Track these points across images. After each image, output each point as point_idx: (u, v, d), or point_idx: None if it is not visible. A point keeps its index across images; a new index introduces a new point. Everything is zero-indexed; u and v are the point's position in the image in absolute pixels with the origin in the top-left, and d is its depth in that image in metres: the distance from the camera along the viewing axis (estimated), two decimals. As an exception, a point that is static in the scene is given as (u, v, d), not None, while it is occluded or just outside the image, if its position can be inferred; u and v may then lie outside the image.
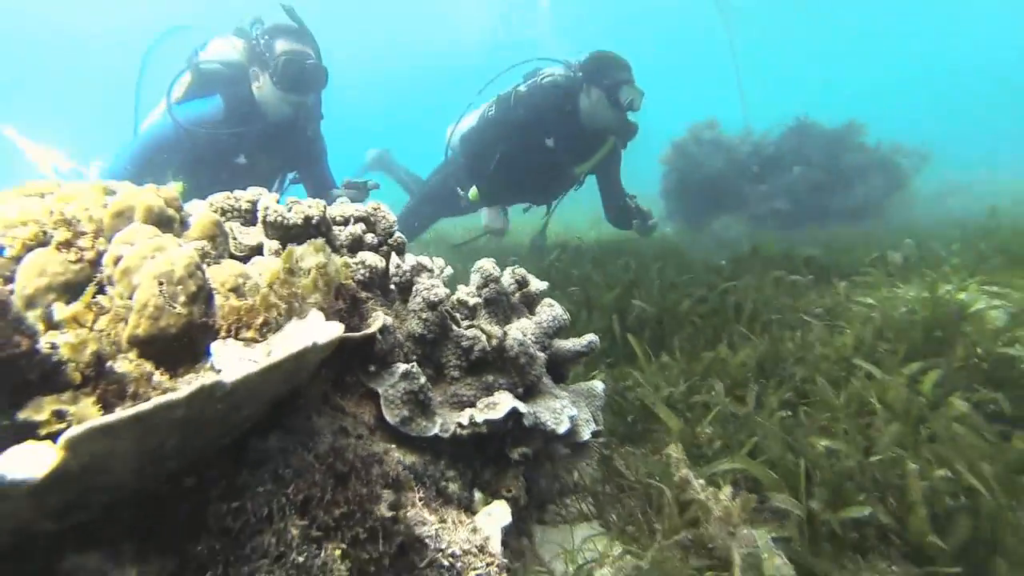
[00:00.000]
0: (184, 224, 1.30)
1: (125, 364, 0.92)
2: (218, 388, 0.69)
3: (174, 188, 4.50)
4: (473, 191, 5.62)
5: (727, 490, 1.49)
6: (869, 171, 7.77)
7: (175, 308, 1.02)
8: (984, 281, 3.08)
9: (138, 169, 4.47)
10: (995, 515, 1.29)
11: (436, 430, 1.31)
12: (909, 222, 6.36)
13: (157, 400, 0.63)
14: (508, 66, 5.89)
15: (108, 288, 1.09)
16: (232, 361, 0.93)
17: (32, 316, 1.01)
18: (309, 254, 1.27)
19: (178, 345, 1.02)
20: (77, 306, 0.99)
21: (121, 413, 0.62)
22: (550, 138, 5.33)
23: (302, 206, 1.36)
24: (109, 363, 0.93)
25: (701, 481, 1.50)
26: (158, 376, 0.92)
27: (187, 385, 0.90)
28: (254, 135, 4.52)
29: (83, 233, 1.29)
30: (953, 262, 3.64)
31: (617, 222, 5.91)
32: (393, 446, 1.25)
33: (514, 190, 5.78)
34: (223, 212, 1.42)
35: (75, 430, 0.63)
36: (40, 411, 0.82)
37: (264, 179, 5.06)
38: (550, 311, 1.55)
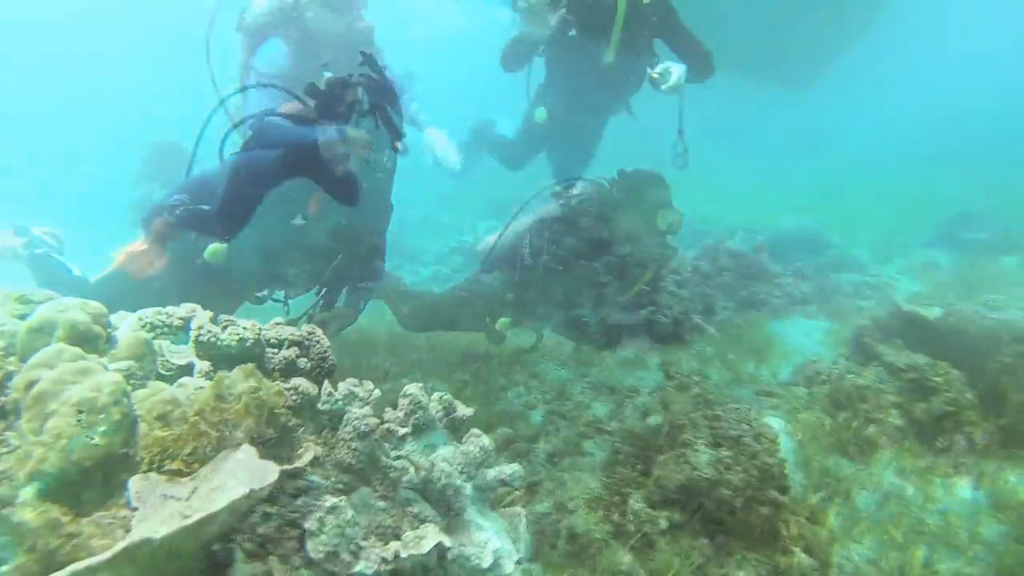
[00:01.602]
0: (110, 341, 1.26)
1: (26, 512, 0.85)
2: (146, 544, 0.66)
3: (214, 249, 3.99)
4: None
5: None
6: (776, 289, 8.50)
7: (93, 439, 0.97)
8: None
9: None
10: None
11: (360, 567, 1.25)
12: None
13: (75, 568, 0.60)
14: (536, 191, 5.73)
15: (13, 419, 1.02)
16: (152, 502, 0.89)
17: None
18: (240, 380, 1.25)
19: (91, 480, 0.96)
20: (-19, 441, 0.92)
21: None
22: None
23: (237, 327, 1.35)
24: (5, 511, 0.85)
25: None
26: (65, 523, 0.85)
27: (98, 529, 0.85)
28: (311, 189, 4.07)
29: (-10, 349, 1.21)
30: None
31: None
32: (314, 586, 1.19)
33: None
34: (153, 328, 1.38)
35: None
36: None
37: (321, 255, 4.52)
38: (476, 441, 1.59)
